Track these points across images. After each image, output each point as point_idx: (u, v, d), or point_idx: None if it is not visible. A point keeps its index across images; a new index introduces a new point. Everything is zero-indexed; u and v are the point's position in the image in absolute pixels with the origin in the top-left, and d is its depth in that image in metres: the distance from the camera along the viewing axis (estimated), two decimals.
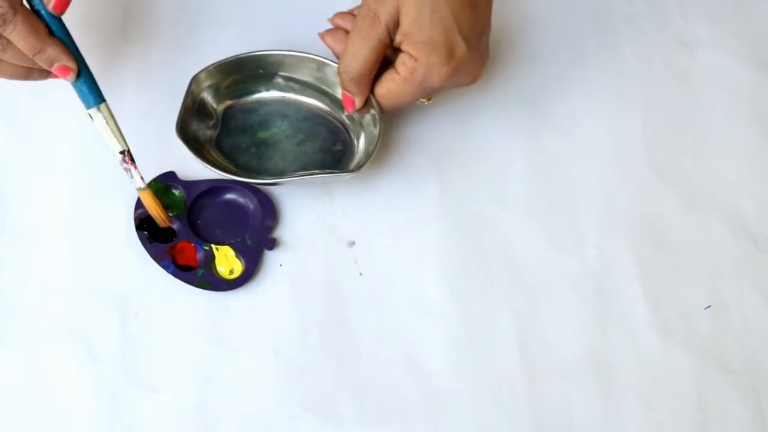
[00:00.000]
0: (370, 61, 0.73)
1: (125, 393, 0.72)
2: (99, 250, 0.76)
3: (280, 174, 0.77)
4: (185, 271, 0.75)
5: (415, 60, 0.72)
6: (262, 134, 0.79)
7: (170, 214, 0.76)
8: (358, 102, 0.75)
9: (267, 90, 0.80)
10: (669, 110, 0.83)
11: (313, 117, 0.80)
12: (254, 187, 0.77)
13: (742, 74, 0.85)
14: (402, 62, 0.72)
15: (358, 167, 0.75)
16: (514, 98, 0.83)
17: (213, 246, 0.76)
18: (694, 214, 0.79)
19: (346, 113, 0.78)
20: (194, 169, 0.78)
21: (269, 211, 0.77)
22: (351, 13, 0.76)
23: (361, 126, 0.78)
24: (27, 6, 0.69)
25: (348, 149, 0.78)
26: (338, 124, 0.79)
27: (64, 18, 0.71)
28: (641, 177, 0.80)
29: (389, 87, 0.74)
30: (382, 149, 0.80)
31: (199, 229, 0.77)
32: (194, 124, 0.78)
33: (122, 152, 0.73)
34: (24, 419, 0.71)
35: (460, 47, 0.71)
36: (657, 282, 0.77)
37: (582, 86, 0.84)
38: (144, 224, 0.76)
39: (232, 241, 0.76)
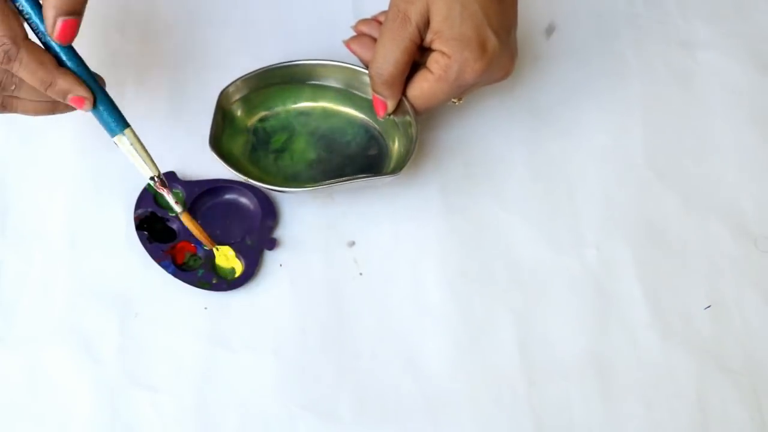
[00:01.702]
0: (401, 62, 0.72)
1: (125, 393, 0.72)
2: (99, 250, 0.76)
3: (318, 182, 0.77)
4: (185, 271, 0.75)
5: (449, 57, 0.71)
6: (297, 144, 0.79)
7: (170, 214, 0.76)
8: (391, 105, 0.75)
9: (297, 100, 0.80)
10: (669, 110, 0.83)
11: (346, 123, 0.80)
12: (254, 187, 0.77)
13: (742, 75, 0.85)
14: (435, 61, 0.72)
15: (398, 169, 0.75)
16: (514, 98, 0.83)
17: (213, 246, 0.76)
18: (694, 214, 0.79)
19: (378, 117, 0.77)
20: (194, 169, 0.78)
21: (269, 211, 0.77)
22: (375, 20, 0.76)
23: (396, 129, 0.77)
24: (34, 38, 0.66)
25: (383, 153, 0.78)
26: (371, 129, 0.79)
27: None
28: (641, 177, 0.80)
29: (422, 87, 0.73)
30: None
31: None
32: (227, 138, 0.78)
33: (152, 178, 0.70)
34: (24, 419, 0.71)
35: (492, 42, 0.71)
36: (657, 282, 0.77)
37: (582, 86, 0.84)
38: (144, 224, 0.76)
39: (232, 241, 0.76)
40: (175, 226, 0.76)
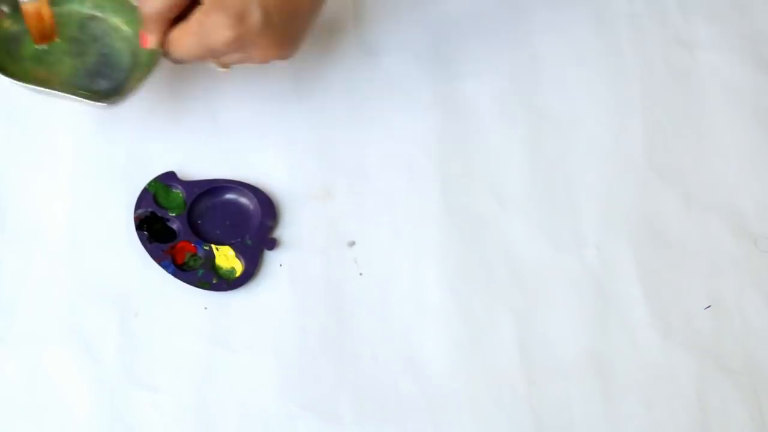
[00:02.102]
0: (170, 2, 0.69)
1: (125, 393, 0.72)
2: (99, 250, 0.76)
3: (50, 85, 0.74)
4: (185, 271, 0.75)
5: (205, 15, 0.68)
6: (50, 45, 0.76)
7: (170, 214, 0.76)
8: (153, 41, 0.71)
9: (69, 2, 0.77)
10: (669, 110, 0.83)
11: (107, 39, 0.77)
12: (254, 187, 0.77)
13: (743, 74, 0.85)
14: (194, 13, 0.69)
15: (115, 101, 0.72)
16: (514, 97, 0.83)
17: (213, 246, 0.76)
18: (694, 214, 0.79)
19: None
20: (194, 169, 0.78)
21: (269, 211, 0.77)
22: None
23: (145, 61, 0.75)
24: None
25: (124, 79, 0.76)
26: (126, 52, 0.77)
27: None
28: (641, 177, 0.80)
29: (178, 35, 0.70)
30: (383, 149, 0.80)
31: (199, 229, 0.77)
32: None
33: None
34: (24, 419, 0.71)
35: (254, 17, 0.68)
36: (657, 282, 0.77)
37: (582, 86, 0.84)
38: (144, 224, 0.76)
39: (232, 241, 0.76)
40: (175, 226, 0.76)
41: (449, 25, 0.84)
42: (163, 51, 0.72)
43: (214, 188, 0.77)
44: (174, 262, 0.75)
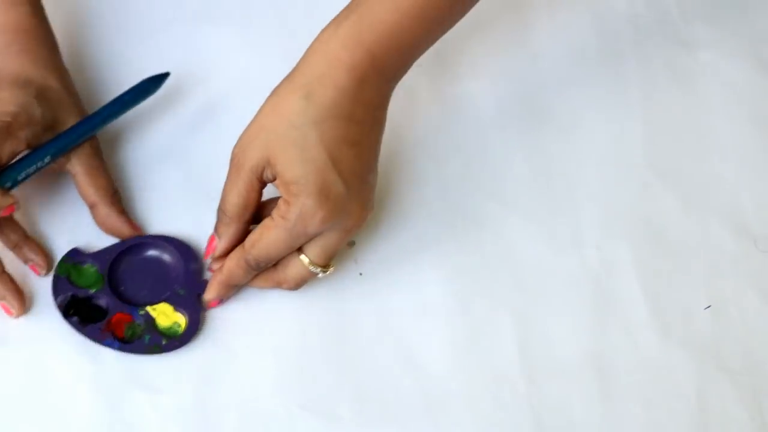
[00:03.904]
0: (238, 204, 0.69)
1: (125, 393, 0.71)
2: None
3: None
4: (131, 342, 0.71)
5: (288, 204, 0.66)
6: None
7: (91, 291, 0.72)
8: (222, 245, 0.71)
9: None
10: (669, 110, 0.83)
11: None
12: (165, 235, 0.74)
13: (743, 75, 0.85)
14: (277, 207, 0.68)
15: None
16: (514, 98, 0.83)
17: (148, 308, 0.72)
18: (694, 214, 0.79)
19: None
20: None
21: (189, 256, 0.74)
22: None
23: None
24: None
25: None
26: None
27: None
28: (641, 177, 0.80)
29: (261, 233, 0.68)
30: (385, 150, 0.80)
31: (126, 296, 0.73)
32: None
33: None
34: (24, 419, 0.71)
35: (337, 187, 0.66)
36: (657, 282, 0.77)
37: (582, 86, 0.84)
38: (70, 309, 0.72)
39: (164, 297, 0.73)
40: (102, 302, 0.72)
41: None
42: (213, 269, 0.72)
43: (125, 251, 0.73)
44: (116, 336, 0.71)
